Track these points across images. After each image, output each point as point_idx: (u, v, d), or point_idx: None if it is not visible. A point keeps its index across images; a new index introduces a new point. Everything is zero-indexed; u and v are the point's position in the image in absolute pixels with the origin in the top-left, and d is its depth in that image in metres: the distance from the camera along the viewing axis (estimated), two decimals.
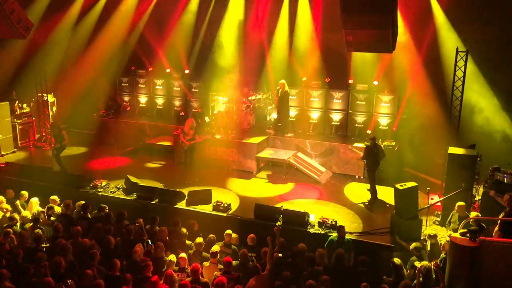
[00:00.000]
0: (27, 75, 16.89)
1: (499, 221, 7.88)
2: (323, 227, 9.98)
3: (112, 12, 17.12)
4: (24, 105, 16.48)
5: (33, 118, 16.48)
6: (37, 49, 16.54)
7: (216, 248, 8.34)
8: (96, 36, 17.29)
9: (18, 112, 16.11)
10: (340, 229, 9.16)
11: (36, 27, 14.05)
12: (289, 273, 7.49)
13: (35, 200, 10.52)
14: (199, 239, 8.75)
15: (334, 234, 9.29)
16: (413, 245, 8.56)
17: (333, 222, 9.95)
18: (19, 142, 15.83)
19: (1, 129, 15.08)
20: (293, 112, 15.41)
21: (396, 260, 7.99)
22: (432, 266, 7.52)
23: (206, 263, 8.17)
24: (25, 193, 10.81)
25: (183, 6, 16.87)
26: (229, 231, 9.10)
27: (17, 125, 15.80)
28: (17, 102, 16.21)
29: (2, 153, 15.02)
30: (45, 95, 16.75)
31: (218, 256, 8.29)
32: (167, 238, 9.09)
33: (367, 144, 11.87)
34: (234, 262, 8.08)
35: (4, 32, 12.11)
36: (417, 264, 7.93)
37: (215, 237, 9.19)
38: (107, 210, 10.09)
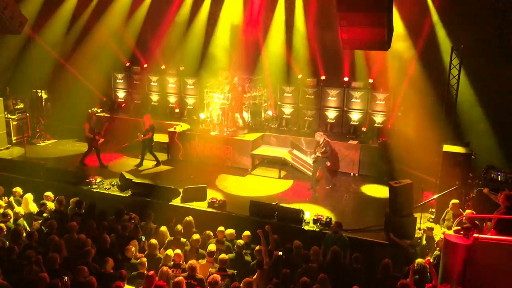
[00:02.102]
0: (21, 71, 16.79)
1: (493, 218, 7.92)
2: (318, 224, 10.00)
3: (107, 8, 17.02)
4: (18, 101, 16.39)
5: (27, 114, 16.38)
6: (31, 45, 16.43)
7: (212, 247, 8.34)
8: (91, 32, 17.19)
9: (12, 108, 16.02)
10: (332, 225, 9.18)
11: (30, 22, 13.97)
12: (289, 271, 7.49)
13: (29, 196, 10.48)
14: (196, 236, 8.73)
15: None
16: (408, 242, 8.59)
17: (328, 219, 9.97)
18: (13, 138, 15.73)
19: None
20: (288, 110, 15.43)
21: (385, 260, 7.96)
22: (425, 263, 7.55)
23: (202, 261, 8.16)
24: (19, 190, 10.76)
25: (178, 3, 16.79)
26: (221, 228, 9.10)
27: (11, 121, 15.69)
28: (11, 98, 16.11)
29: None
30: (39, 91, 16.65)
31: (215, 255, 8.29)
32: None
33: (325, 138, 12.15)
34: (226, 255, 8.07)
35: None
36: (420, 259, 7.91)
37: (211, 233, 9.22)
38: (95, 205, 10.10)
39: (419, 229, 9.78)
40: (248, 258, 8.53)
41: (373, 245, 9.48)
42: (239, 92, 14.42)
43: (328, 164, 12.38)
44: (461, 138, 11.87)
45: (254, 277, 7.76)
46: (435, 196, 10.51)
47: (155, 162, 14.02)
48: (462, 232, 6.63)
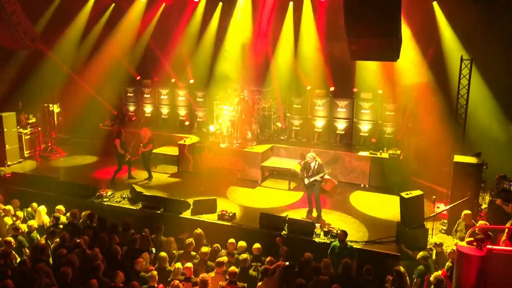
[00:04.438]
0: (33, 85, 16.99)
1: (506, 229, 7.82)
2: (329, 236, 9.94)
3: (117, 23, 17.25)
4: (30, 116, 16.60)
5: (39, 128, 16.55)
6: (43, 60, 16.65)
7: (223, 258, 8.32)
8: (102, 46, 17.40)
9: (24, 123, 16.22)
10: (339, 235, 9.13)
11: (42, 37, 14.18)
12: (303, 281, 7.44)
13: (42, 209, 10.57)
14: (205, 249, 8.72)
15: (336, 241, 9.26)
16: (420, 254, 8.50)
17: (339, 231, 9.89)
18: (25, 152, 15.89)
19: (8, 139, 15.13)
20: (297, 121, 15.44)
21: (400, 268, 7.92)
22: (441, 276, 7.47)
23: (212, 274, 8.14)
24: (35, 205, 10.88)
25: (188, 16, 16.98)
26: (232, 240, 9.09)
27: (23, 135, 15.88)
28: (23, 112, 16.32)
29: (9, 163, 15.07)
30: (50, 105, 16.84)
31: (225, 267, 8.25)
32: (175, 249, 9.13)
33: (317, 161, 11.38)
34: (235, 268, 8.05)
35: (11, 43, 12.25)
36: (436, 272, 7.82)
37: (219, 246, 9.20)
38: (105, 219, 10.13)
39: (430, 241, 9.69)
40: (253, 273, 8.48)
41: (385, 257, 9.40)
42: (248, 105, 14.46)
43: (323, 184, 12.08)
44: (472, 148, 11.77)
45: (259, 284, 7.73)
46: (447, 207, 10.41)
47: (147, 176, 13.83)
48: (475, 244, 6.55)
